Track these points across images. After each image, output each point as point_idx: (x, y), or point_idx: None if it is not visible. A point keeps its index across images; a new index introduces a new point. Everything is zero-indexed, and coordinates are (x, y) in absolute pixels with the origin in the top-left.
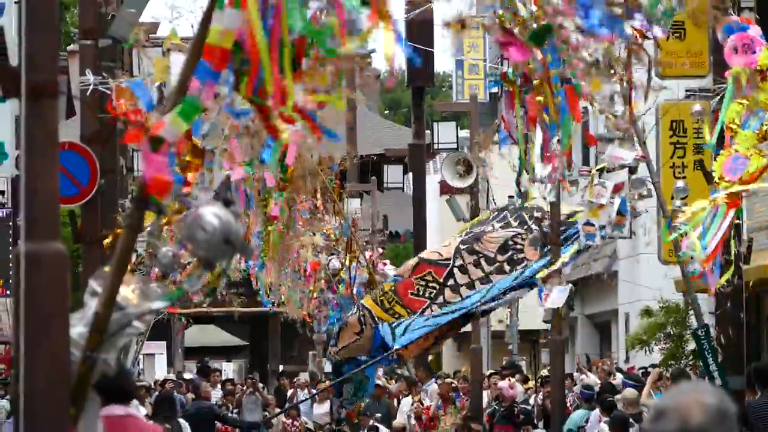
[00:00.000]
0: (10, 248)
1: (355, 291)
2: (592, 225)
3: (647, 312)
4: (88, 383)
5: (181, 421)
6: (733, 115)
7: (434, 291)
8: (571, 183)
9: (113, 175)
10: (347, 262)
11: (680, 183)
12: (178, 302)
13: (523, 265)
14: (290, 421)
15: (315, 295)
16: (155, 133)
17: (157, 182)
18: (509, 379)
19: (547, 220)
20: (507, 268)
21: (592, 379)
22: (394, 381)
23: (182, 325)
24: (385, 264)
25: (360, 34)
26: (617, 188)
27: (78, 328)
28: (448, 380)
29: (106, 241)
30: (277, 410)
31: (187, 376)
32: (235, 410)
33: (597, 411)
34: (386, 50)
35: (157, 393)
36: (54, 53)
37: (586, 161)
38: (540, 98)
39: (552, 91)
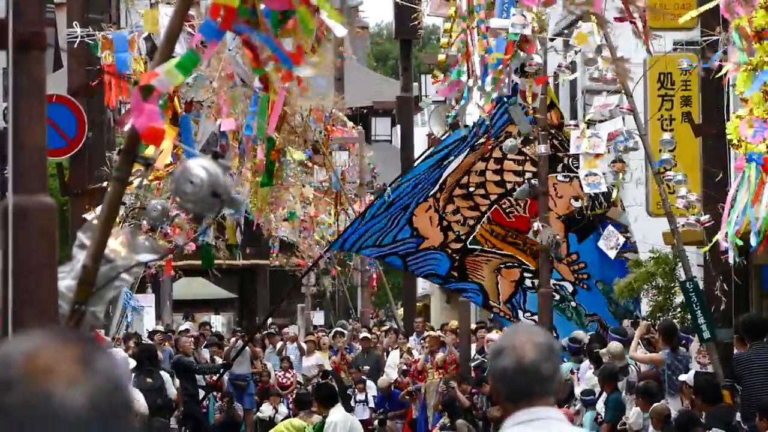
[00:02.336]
0: None
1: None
2: (595, 174)
3: (636, 263)
4: None
5: (163, 373)
6: (743, 85)
7: None
8: None
9: (101, 128)
10: (335, 215)
11: (666, 135)
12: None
13: None
14: (282, 372)
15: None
16: (146, 82)
17: (150, 131)
18: (497, 332)
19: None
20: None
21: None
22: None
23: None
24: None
25: None
26: (612, 136)
27: (66, 280)
28: (435, 333)
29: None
30: (269, 364)
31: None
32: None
33: (586, 362)
34: None
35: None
36: (41, 5)
37: (574, 115)
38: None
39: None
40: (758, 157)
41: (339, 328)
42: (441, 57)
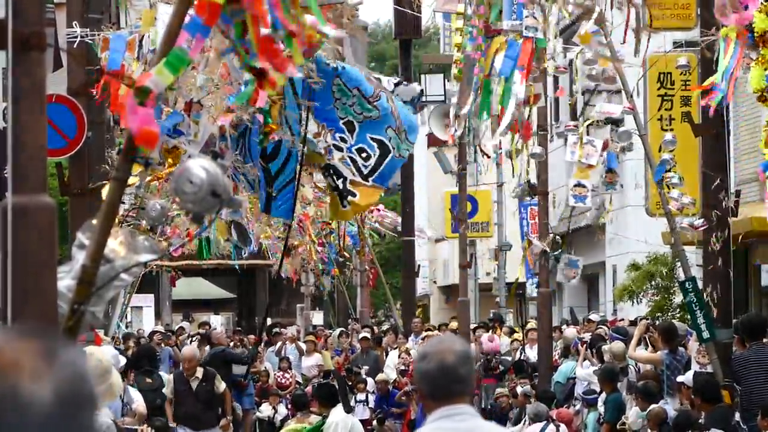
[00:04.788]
0: None
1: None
2: (584, 186)
3: (635, 266)
4: (76, 336)
5: (163, 374)
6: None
7: None
8: (558, 136)
9: (100, 128)
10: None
11: (668, 135)
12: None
13: None
14: (281, 373)
15: (302, 248)
16: (141, 84)
17: (144, 134)
18: (491, 332)
19: None
20: None
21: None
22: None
23: (172, 277)
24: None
25: None
26: (605, 145)
27: (66, 280)
28: (435, 333)
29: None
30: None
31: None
32: None
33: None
34: None
35: (136, 346)
36: (41, 5)
37: (573, 116)
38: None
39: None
40: None
41: (343, 329)
42: (455, 71)
